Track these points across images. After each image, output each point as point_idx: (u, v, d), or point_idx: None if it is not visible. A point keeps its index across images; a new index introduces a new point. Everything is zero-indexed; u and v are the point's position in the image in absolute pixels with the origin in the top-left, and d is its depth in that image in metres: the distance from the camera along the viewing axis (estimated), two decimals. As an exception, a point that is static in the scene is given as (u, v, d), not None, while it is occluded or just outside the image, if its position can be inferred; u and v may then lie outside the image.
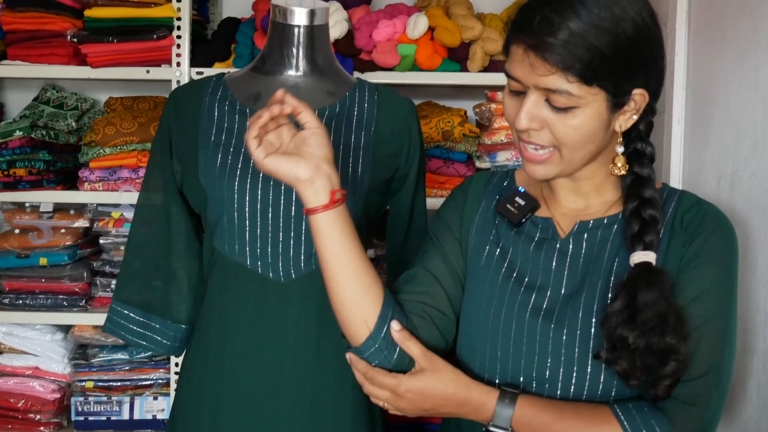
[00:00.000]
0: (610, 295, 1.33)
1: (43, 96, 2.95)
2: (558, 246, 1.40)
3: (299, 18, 1.78)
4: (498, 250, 1.45)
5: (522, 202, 1.45)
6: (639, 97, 1.31)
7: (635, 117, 1.33)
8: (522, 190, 1.47)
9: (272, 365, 1.72)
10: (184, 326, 1.85)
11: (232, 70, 2.57)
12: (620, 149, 1.36)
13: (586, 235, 1.40)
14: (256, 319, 1.72)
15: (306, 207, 1.36)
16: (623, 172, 1.36)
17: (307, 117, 1.36)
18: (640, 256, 1.31)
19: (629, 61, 1.27)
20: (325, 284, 1.41)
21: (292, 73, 1.80)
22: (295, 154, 1.35)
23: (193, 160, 1.75)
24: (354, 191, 1.72)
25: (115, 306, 1.86)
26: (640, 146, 1.38)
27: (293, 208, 1.70)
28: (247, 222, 1.70)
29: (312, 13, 1.78)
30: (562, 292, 1.37)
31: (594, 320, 1.32)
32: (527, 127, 1.28)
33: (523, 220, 1.44)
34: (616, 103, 1.29)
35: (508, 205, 1.45)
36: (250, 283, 1.72)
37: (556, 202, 1.45)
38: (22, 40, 2.67)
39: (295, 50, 1.79)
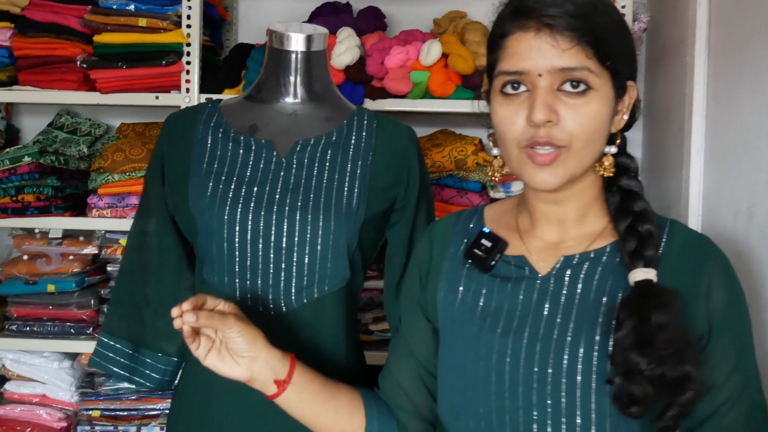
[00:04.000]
0: (597, 337, 1.23)
1: (58, 121, 2.96)
2: (538, 285, 1.31)
3: (296, 44, 1.75)
4: (470, 296, 1.36)
5: (488, 244, 1.36)
6: (631, 89, 1.28)
7: (626, 117, 1.29)
8: (487, 231, 1.39)
9: (261, 402, 1.65)
10: (175, 359, 1.81)
11: (241, 96, 2.55)
12: (613, 149, 1.28)
13: (569, 271, 1.30)
14: (245, 353, 1.66)
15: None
16: (610, 172, 1.28)
17: (213, 303, 1.39)
18: (640, 274, 1.22)
19: (625, 46, 1.26)
20: None
21: (289, 100, 1.77)
22: (228, 353, 1.39)
23: (184, 188, 1.72)
24: (348, 223, 1.67)
25: (103, 338, 1.82)
26: (624, 160, 1.32)
27: (284, 238, 1.65)
28: (237, 253, 1.65)
29: (309, 39, 1.76)
30: (542, 333, 1.26)
31: (580, 366, 1.22)
32: (546, 118, 1.18)
33: (492, 263, 1.35)
34: (619, 91, 1.25)
35: (475, 250, 1.37)
36: (240, 316, 1.67)
37: (533, 236, 1.36)
38: (33, 66, 2.66)
39: (291, 77, 1.77)
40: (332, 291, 1.68)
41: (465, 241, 1.42)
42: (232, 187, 1.68)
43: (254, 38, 2.95)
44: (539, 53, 1.20)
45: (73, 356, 2.77)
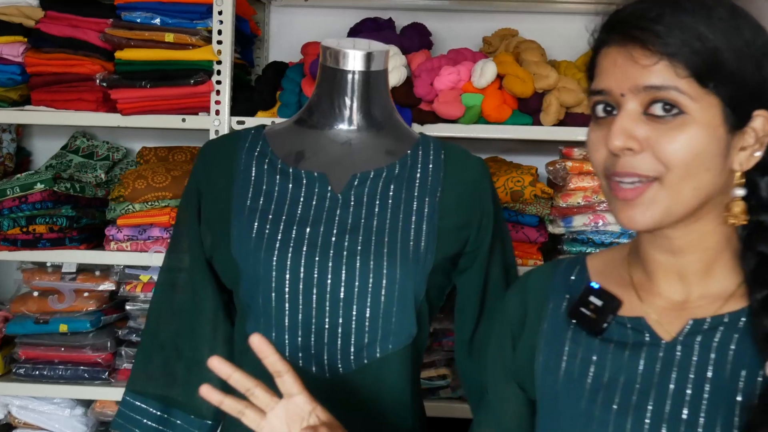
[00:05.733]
0: (735, 418, 1.03)
1: (72, 144, 2.82)
2: (661, 353, 1.10)
3: (354, 62, 1.57)
4: (577, 364, 1.16)
5: (598, 303, 1.16)
6: (762, 120, 1.04)
7: (759, 153, 1.06)
8: (596, 287, 1.18)
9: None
10: (210, 422, 1.61)
11: (276, 120, 2.39)
12: (741, 191, 1.07)
13: (699, 337, 1.09)
14: (295, 421, 1.46)
15: None
16: (741, 221, 1.07)
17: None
18: None
19: (748, 65, 1.03)
20: None
21: (343, 126, 1.58)
22: None
23: (224, 228, 1.52)
24: (415, 269, 1.47)
25: (128, 398, 1.63)
26: (766, 217, 1.09)
27: (342, 288, 1.45)
28: (287, 305, 1.46)
29: (369, 57, 1.57)
30: (668, 412, 1.07)
31: None
32: (623, 146, 1.01)
33: (605, 325, 1.15)
34: (734, 121, 1.03)
35: (582, 309, 1.16)
36: (289, 378, 1.46)
37: (651, 292, 1.15)
38: (48, 84, 2.51)
39: (348, 100, 1.58)
40: (396, 350, 1.48)
41: (567, 296, 1.21)
42: (281, 227, 1.49)
43: (287, 56, 2.80)
44: (621, 70, 1.04)
45: (86, 403, 2.64)
